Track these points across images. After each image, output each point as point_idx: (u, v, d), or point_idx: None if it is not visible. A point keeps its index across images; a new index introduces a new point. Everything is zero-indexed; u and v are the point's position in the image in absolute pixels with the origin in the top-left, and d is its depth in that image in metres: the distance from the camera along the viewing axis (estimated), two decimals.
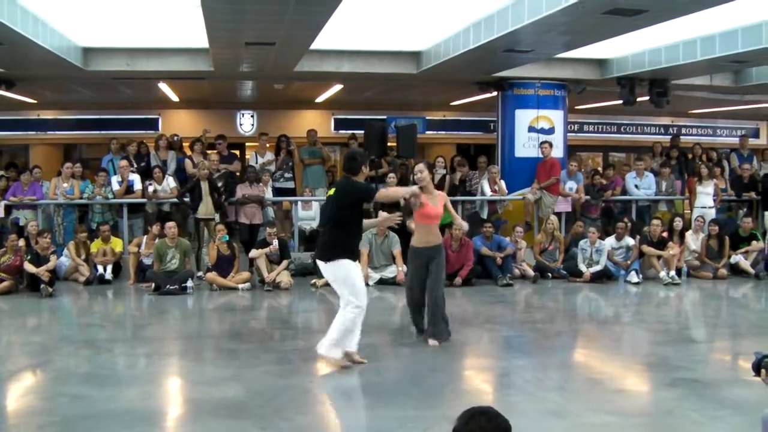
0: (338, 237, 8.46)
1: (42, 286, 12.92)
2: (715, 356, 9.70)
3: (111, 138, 18.12)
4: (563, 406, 7.19)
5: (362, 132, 16.62)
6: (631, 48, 15.21)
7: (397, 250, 14.08)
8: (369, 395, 7.70)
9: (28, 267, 13.17)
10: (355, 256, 8.63)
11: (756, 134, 26.56)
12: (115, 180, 15.51)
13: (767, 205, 16.82)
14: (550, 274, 14.91)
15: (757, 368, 4.00)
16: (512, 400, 7.42)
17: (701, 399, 7.30)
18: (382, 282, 14.09)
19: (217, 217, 14.76)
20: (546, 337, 10.49)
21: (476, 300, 13.00)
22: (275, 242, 13.92)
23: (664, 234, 15.00)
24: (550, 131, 17.36)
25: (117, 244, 14.68)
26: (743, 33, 12.76)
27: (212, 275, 13.66)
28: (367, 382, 8.12)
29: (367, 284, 13.42)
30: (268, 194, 16.09)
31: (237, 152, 19.82)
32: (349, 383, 8.15)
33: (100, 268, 14.24)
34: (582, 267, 14.61)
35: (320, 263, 8.59)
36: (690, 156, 18.40)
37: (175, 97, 21.37)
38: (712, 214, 16.14)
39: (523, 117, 17.43)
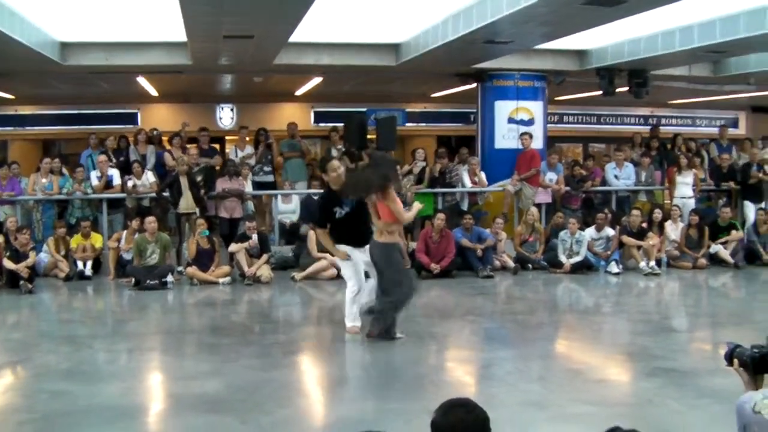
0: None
1: (21, 282, 12.83)
2: (695, 346, 9.76)
3: (90, 133, 17.99)
4: (544, 397, 7.21)
5: (342, 125, 16.62)
6: (610, 39, 15.23)
7: None
8: (350, 388, 7.71)
9: (7, 263, 13.07)
10: (349, 243, 9.54)
11: (735, 124, 26.65)
12: (94, 175, 15.42)
13: (746, 195, 16.94)
14: (530, 266, 14.94)
15: (729, 358, 4.04)
16: (493, 391, 7.43)
17: (681, 388, 7.34)
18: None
19: (197, 211, 14.69)
20: (527, 328, 10.53)
21: (457, 292, 13.01)
22: (255, 236, 13.90)
23: (644, 224, 15.05)
24: (530, 122, 17.36)
25: (97, 239, 14.58)
26: (721, 23, 12.80)
27: (192, 270, 13.61)
28: (349, 375, 8.14)
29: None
30: (248, 188, 16.04)
31: (217, 146, 19.78)
32: (331, 376, 8.15)
33: (80, 264, 14.15)
34: (562, 258, 14.64)
35: None
36: (669, 146, 18.46)
37: (154, 92, 21.28)
38: (691, 204, 16.22)
39: (503, 108, 17.41)
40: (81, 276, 14.04)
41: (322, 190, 15.53)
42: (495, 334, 10.51)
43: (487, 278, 13.94)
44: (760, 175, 16.78)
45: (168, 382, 8.15)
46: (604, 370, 8.36)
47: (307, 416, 7.05)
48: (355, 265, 9.56)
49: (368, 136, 16.34)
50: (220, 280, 13.57)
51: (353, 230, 9.52)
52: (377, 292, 9.42)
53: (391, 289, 9.13)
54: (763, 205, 16.55)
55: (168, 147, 16.90)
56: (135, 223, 14.17)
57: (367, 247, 9.44)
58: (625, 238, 14.76)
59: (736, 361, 4.01)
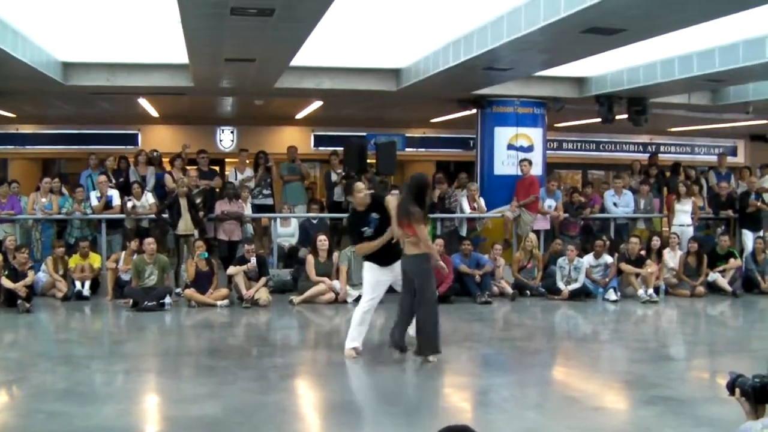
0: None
1: (19, 301, 12.80)
2: (693, 374, 9.74)
3: (90, 153, 18.01)
4: (541, 424, 7.19)
5: (342, 149, 16.67)
6: (609, 66, 15.29)
7: None
8: (348, 413, 7.67)
9: (6, 282, 13.06)
10: (378, 261, 9.64)
11: (734, 152, 26.71)
12: (93, 195, 15.43)
13: (744, 224, 16.94)
14: (528, 292, 14.91)
15: (731, 388, 4.04)
16: (490, 418, 7.40)
17: (679, 417, 7.32)
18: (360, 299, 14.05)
19: (196, 233, 14.69)
20: (524, 355, 10.51)
21: (455, 317, 12.97)
22: (253, 259, 13.89)
23: (642, 252, 15.05)
24: (529, 149, 17.40)
25: (95, 259, 14.58)
26: (720, 52, 12.87)
27: (190, 292, 13.58)
28: (346, 400, 8.11)
29: (344, 301, 13.57)
30: (247, 211, 16.04)
31: (216, 168, 19.78)
32: (328, 400, 8.13)
33: (78, 284, 14.13)
34: (560, 285, 14.63)
35: None
36: (668, 174, 18.49)
37: (155, 113, 21.32)
38: (690, 231, 16.24)
39: (503, 134, 17.45)
40: (79, 296, 14.02)
41: (320, 214, 15.97)
42: (492, 360, 10.49)
43: (485, 304, 13.91)
44: (759, 203, 16.81)
45: (165, 404, 8.12)
46: (602, 397, 8.33)
47: None
48: (377, 280, 9.68)
49: (368, 161, 16.38)
50: (218, 303, 13.54)
51: (381, 249, 9.58)
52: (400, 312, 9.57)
53: (421, 298, 9.34)
54: (761, 233, 16.57)
55: (168, 168, 16.93)
56: (134, 244, 14.16)
57: (394, 266, 9.59)
58: (624, 266, 14.76)
59: (737, 390, 4.02)
